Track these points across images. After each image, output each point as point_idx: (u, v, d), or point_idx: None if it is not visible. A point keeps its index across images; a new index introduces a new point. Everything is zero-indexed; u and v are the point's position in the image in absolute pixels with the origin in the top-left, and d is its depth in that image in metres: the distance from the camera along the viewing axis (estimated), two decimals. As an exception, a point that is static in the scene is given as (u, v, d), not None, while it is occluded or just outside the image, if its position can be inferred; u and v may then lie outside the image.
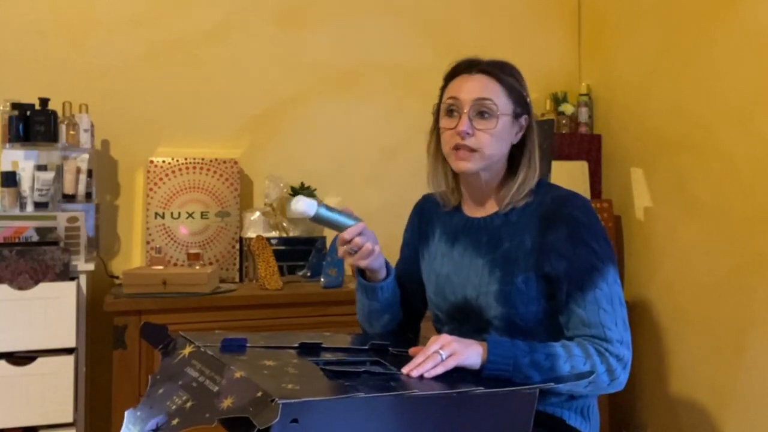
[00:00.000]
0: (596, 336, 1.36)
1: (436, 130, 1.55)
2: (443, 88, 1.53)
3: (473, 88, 1.46)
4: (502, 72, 1.49)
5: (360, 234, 1.47)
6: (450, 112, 1.48)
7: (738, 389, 2.42)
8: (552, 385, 1.26)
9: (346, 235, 1.47)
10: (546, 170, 2.66)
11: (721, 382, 2.49)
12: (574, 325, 1.39)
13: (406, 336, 1.63)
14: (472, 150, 1.44)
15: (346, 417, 1.01)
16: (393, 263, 1.64)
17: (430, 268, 1.59)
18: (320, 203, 1.46)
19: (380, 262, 1.54)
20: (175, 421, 1.04)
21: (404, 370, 1.21)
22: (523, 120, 1.50)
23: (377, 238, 1.51)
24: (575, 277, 1.38)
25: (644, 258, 2.86)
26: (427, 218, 1.65)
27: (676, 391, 2.70)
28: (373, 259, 1.51)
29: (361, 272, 1.58)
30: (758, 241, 2.35)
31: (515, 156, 1.52)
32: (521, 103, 1.49)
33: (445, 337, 1.28)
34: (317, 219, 1.44)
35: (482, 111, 1.45)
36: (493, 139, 1.45)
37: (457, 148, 1.45)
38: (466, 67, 1.50)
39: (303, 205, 1.42)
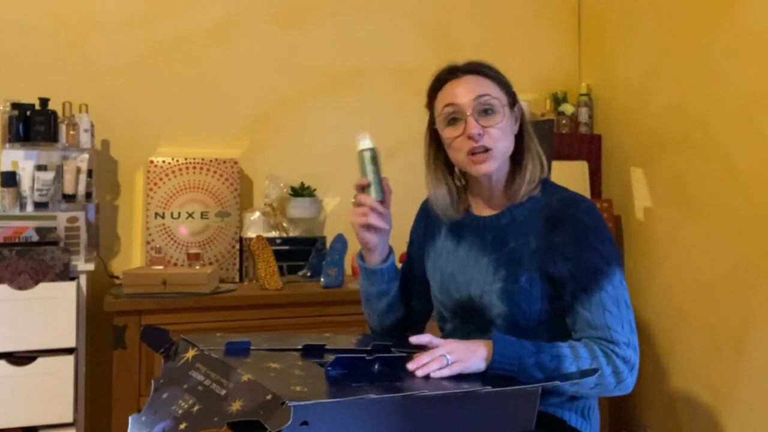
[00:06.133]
0: (602, 338, 1.36)
1: (433, 146, 1.53)
2: (431, 103, 1.52)
3: (467, 89, 1.44)
4: (484, 67, 1.48)
5: (373, 209, 1.44)
6: (452, 121, 1.45)
7: (738, 389, 2.43)
8: (557, 383, 1.27)
9: (363, 199, 1.44)
10: (547, 169, 2.66)
11: (721, 382, 2.49)
12: (581, 327, 1.39)
13: (407, 337, 1.64)
14: (487, 150, 1.43)
15: (355, 418, 1.02)
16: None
17: (435, 265, 1.59)
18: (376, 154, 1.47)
19: (376, 243, 1.51)
20: (182, 426, 1.04)
21: (410, 366, 1.22)
22: (516, 109, 1.50)
23: (391, 224, 1.49)
24: (580, 279, 1.38)
25: (644, 258, 2.86)
26: (434, 216, 1.64)
27: (676, 391, 2.70)
28: (372, 235, 1.48)
29: (362, 256, 1.57)
30: (758, 241, 2.35)
31: (515, 150, 1.51)
32: (511, 93, 1.49)
33: (452, 343, 1.29)
34: (365, 158, 1.45)
35: (485, 108, 1.43)
36: (502, 134, 1.45)
37: (472, 152, 1.43)
38: (448, 74, 1.48)
39: (367, 141, 1.45)
